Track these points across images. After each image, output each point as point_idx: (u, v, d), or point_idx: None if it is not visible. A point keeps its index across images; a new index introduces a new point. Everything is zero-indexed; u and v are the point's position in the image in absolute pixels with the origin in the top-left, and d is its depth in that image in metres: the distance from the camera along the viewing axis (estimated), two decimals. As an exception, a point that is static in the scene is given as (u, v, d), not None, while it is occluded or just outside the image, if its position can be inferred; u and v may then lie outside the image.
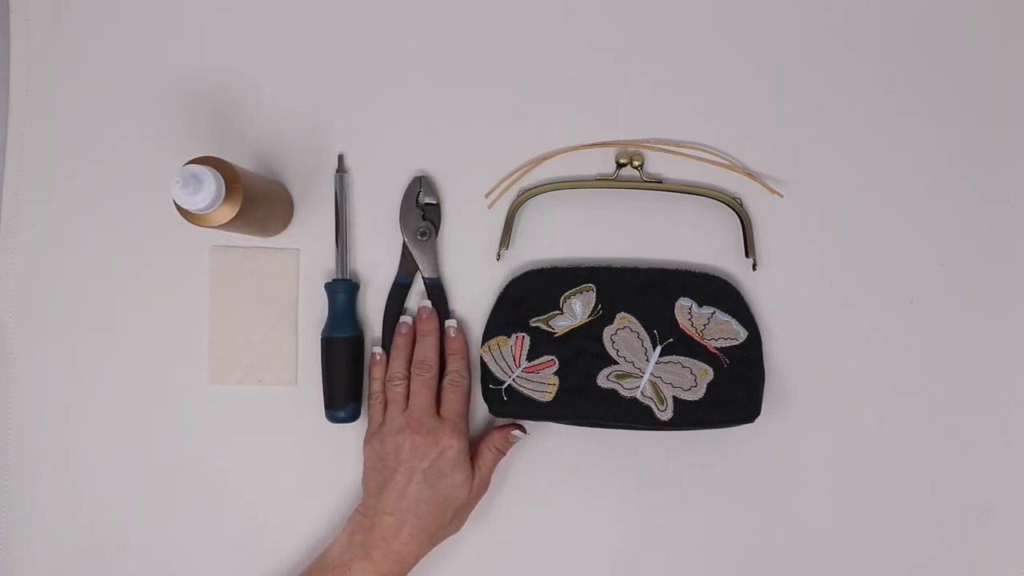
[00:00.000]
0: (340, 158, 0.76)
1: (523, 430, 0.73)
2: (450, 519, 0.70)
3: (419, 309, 0.74)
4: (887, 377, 0.75)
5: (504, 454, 0.73)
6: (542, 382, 0.72)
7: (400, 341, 0.74)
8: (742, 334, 0.72)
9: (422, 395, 0.71)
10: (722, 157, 0.75)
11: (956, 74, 0.76)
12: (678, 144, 0.75)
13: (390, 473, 0.69)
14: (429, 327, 0.74)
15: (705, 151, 0.75)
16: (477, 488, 0.71)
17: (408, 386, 0.72)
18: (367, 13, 0.77)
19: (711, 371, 0.71)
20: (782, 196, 0.75)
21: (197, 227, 0.65)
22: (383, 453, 0.70)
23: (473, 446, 0.72)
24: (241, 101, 0.76)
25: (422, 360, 0.72)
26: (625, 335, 0.72)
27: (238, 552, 0.75)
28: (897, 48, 0.76)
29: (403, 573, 0.69)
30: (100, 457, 0.75)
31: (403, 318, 0.74)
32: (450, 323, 0.74)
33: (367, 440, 0.71)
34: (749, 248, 0.74)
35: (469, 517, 0.72)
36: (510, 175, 0.76)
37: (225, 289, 0.76)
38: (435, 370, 0.72)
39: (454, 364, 0.73)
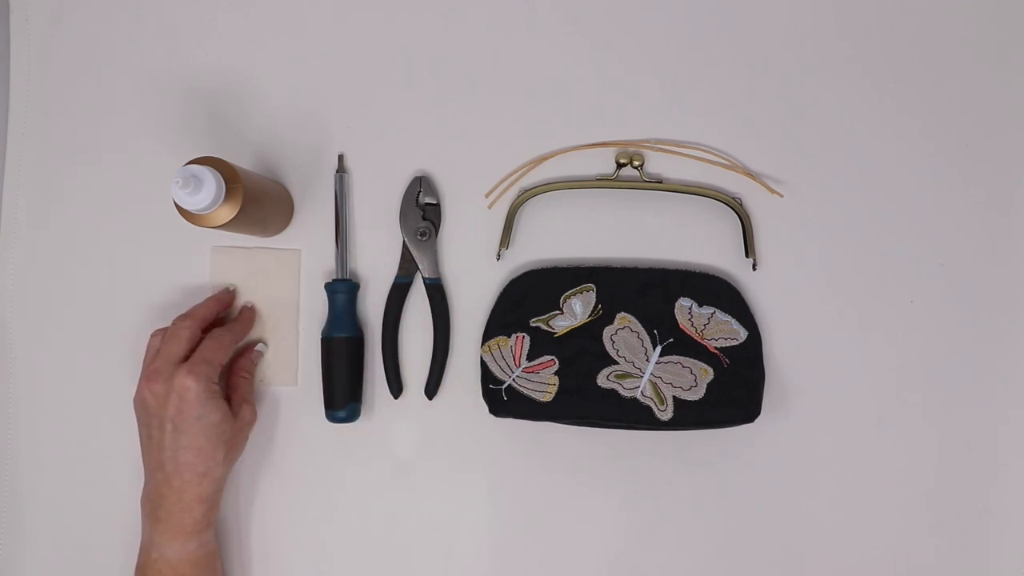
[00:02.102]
0: (340, 158, 0.76)
1: (265, 344, 0.75)
2: (223, 454, 0.69)
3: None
4: (887, 377, 0.75)
5: (252, 374, 0.74)
6: (542, 382, 0.72)
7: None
8: (742, 334, 0.72)
9: (168, 343, 0.69)
10: (722, 157, 0.75)
11: (956, 75, 0.76)
12: (678, 144, 0.75)
13: (144, 427, 0.69)
14: (217, 297, 0.74)
15: (705, 151, 0.75)
16: (243, 417, 0.71)
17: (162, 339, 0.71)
18: (367, 13, 0.77)
19: (711, 371, 0.71)
20: (782, 196, 0.75)
21: (197, 227, 0.65)
22: (138, 407, 0.69)
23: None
24: (241, 101, 0.76)
25: (185, 313, 0.71)
26: (625, 335, 0.72)
27: (237, 552, 0.75)
28: (897, 48, 0.76)
29: (198, 520, 0.68)
30: (100, 457, 0.75)
31: (227, 289, 0.75)
32: (245, 304, 0.75)
33: (134, 398, 0.70)
34: (749, 248, 0.74)
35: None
36: (510, 175, 0.76)
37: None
38: (193, 320, 0.70)
39: (231, 324, 0.73)
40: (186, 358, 0.69)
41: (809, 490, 0.74)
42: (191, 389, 0.67)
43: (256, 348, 0.74)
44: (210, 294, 0.75)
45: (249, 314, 0.74)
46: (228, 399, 0.71)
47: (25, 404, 0.76)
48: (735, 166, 0.75)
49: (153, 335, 0.71)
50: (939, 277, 0.75)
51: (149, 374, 0.68)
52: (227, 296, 0.75)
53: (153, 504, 0.68)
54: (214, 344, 0.70)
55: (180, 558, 0.68)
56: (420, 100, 0.76)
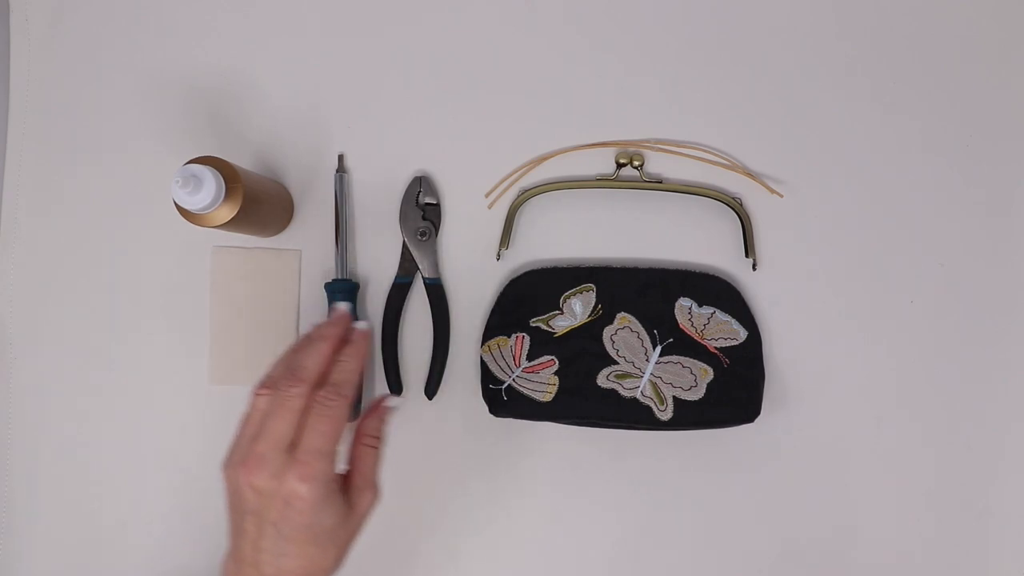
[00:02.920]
0: (340, 158, 0.76)
1: (399, 397, 0.61)
2: (334, 556, 0.57)
3: (333, 308, 0.60)
4: (887, 377, 0.75)
5: (382, 440, 0.61)
6: (542, 382, 0.72)
7: (303, 341, 0.60)
8: (742, 334, 0.72)
9: (273, 419, 0.56)
10: (722, 157, 0.75)
11: (956, 75, 0.76)
12: (678, 144, 0.75)
13: (240, 516, 0.57)
14: (327, 332, 0.60)
15: (705, 151, 0.75)
16: (362, 507, 0.59)
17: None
18: (367, 13, 0.77)
19: (711, 371, 0.71)
20: (782, 196, 0.75)
21: (197, 227, 0.65)
22: (232, 487, 0.57)
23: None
24: (241, 101, 0.76)
25: (293, 368, 0.58)
26: (625, 335, 0.72)
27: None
28: (897, 48, 0.76)
29: None
30: (100, 457, 0.75)
31: (340, 307, 0.61)
32: (360, 324, 0.61)
33: (224, 463, 0.58)
34: (749, 248, 0.74)
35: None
36: (510, 175, 0.76)
37: (226, 289, 0.76)
38: (306, 386, 0.57)
39: (336, 374, 0.58)
40: (294, 441, 0.56)
41: (809, 490, 0.74)
42: (304, 498, 0.54)
43: (388, 403, 0.60)
44: (302, 325, 0.61)
45: (363, 342, 0.60)
46: (347, 480, 0.59)
47: (25, 404, 0.76)
48: (735, 166, 0.75)
49: (256, 392, 0.58)
50: (939, 277, 0.75)
51: (252, 462, 0.55)
52: (341, 323, 0.61)
53: None
54: (327, 425, 0.56)
55: None
56: (420, 100, 0.76)
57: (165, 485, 0.75)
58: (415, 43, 0.76)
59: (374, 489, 0.60)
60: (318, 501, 0.55)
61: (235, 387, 0.75)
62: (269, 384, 0.58)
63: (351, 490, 0.59)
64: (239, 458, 0.56)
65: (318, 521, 0.55)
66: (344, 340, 0.61)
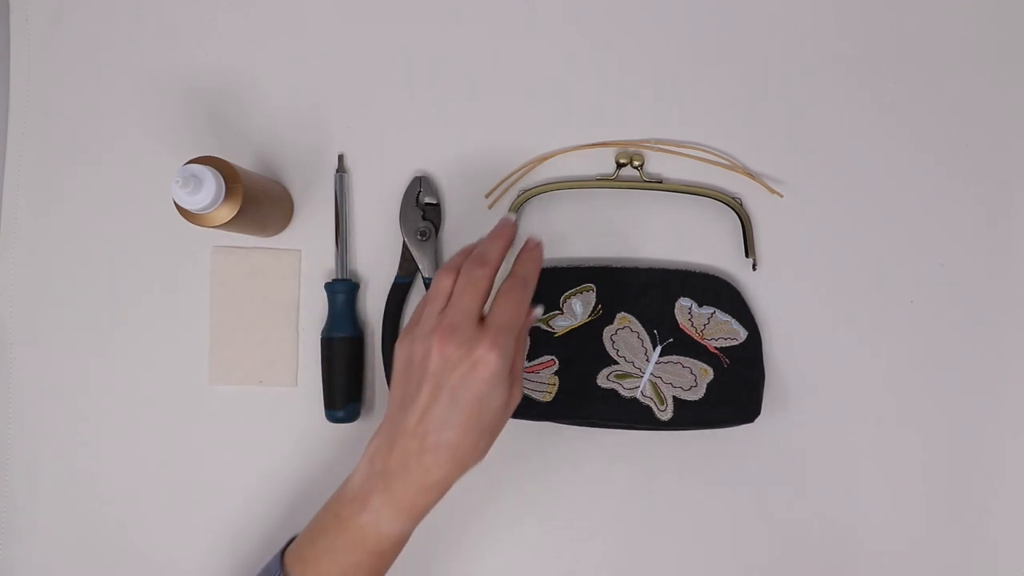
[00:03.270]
0: (340, 158, 0.76)
1: (541, 306, 0.65)
2: (484, 445, 0.60)
3: (503, 219, 0.64)
4: (887, 377, 0.75)
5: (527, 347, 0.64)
6: (542, 382, 0.72)
7: (481, 241, 0.63)
8: (742, 334, 0.72)
9: (466, 295, 0.59)
10: (722, 157, 0.75)
11: (956, 75, 0.76)
12: (678, 144, 0.75)
13: (415, 386, 0.59)
14: (502, 232, 0.62)
15: (705, 151, 0.75)
16: (513, 401, 0.61)
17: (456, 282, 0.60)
18: (367, 13, 0.77)
19: (711, 371, 0.71)
20: (782, 196, 0.75)
21: (197, 227, 0.65)
22: (410, 358, 0.60)
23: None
24: (241, 101, 0.76)
25: (479, 254, 0.61)
26: (625, 335, 0.72)
27: (237, 552, 0.75)
28: (897, 48, 0.76)
29: (428, 506, 0.60)
30: (100, 457, 0.75)
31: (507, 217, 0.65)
32: (533, 237, 0.64)
33: (399, 340, 0.62)
34: (749, 248, 0.74)
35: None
36: (510, 175, 0.76)
37: (226, 289, 0.76)
38: (491, 269, 0.60)
39: (520, 267, 0.62)
40: (480, 315, 0.59)
41: (809, 490, 0.74)
42: (491, 366, 0.57)
43: (535, 312, 0.62)
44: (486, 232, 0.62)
45: (537, 252, 0.63)
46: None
47: (25, 404, 0.76)
48: (735, 166, 0.75)
49: (440, 275, 0.61)
50: (939, 277, 0.75)
51: (445, 329, 0.58)
52: (511, 229, 0.63)
53: (390, 470, 0.59)
54: (513, 305, 0.59)
55: (391, 536, 0.60)
56: (420, 100, 0.76)
57: (165, 485, 0.75)
58: (415, 43, 0.76)
59: (520, 387, 0.62)
60: (497, 374, 0.58)
61: (235, 387, 0.75)
62: (453, 267, 0.61)
63: (510, 379, 0.60)
64: (428, 329, 0.59)
65: (489, 397, 0.58)
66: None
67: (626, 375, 0.71)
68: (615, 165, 0.75)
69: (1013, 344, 0.75)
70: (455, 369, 0.58)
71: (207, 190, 0.62)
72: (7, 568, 0.75)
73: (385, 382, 0.75)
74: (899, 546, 0.74)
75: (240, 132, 0.76)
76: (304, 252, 0.76)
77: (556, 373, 0.72)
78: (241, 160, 0.75)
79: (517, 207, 0.74)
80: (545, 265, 0.74)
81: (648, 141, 0.75)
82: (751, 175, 0.75)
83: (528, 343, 0.70)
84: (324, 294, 0.75)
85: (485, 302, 0.60)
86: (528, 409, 0.72)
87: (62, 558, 0.75)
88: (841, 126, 0.75)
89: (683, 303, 0.72)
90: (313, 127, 0.76)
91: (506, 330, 0.59)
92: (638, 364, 0.71)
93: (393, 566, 0.66)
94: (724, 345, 0.72)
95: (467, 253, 0.62)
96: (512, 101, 0.76)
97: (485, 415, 0.58)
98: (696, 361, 0.71)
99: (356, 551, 0.60)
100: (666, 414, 0.71)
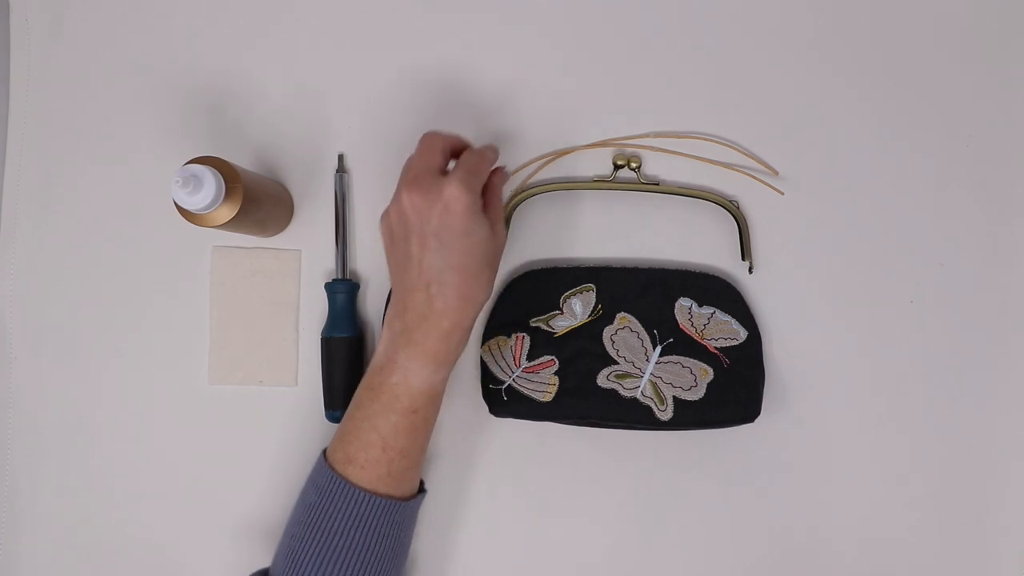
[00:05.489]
0: (340, 158, 0.76)
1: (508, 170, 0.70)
2: (487, 277, 0.64)
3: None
4: (887, 377, 0.75)
5: (502, 196, 0.69)
6: (542, 382, 0.72)
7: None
8: (742, 334, 0.72)
9: (422, 155, 0.64)
10: (727, 144, 0.75)
11: (956, 74, 0.76)
12: (677, 135, 0.75)
13: (403, 246, 0.64)
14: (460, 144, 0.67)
15: (706, 138, 0.75)
16: (499, 238, 0.65)
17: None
18: (367, 13, 0.77)
19: (711, 371, 0.71)
20: (782, 193, 0.75)
21: (197, 227, 0.65)
22: (390, 227, 0.64)
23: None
24: (241, 101, 0.76)
25: (435, 130, 0.66)
26: (625, 335, 0.72)
27: (237, 552, 0.75)
28: (897, 47, 0.76)
29: (450, 352, 0.64)
30: (100, 457, 0.75)
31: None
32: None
33: (381, 218, 0.66)
34: (745, 251, 0.74)
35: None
36: (509, 175, 0.75)
37: (226, 289, 0.76)
38: (448, 138, 0.65)
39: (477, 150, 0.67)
40: (442, 171, 0.64)
41: (809, 490, 0.74)
42: (460, 200, 0.61)
43: (504, 170, 0.68)
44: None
45: (494, 147, 0.68)
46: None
47: (25, 404, 0.76)
48: (741, 148, 0.75)
49: (410, 158, 0.66)
50: (939, 277, 0.75)
51: (410, 183, 0.62)
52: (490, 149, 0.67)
53: (408, 326, 0.63)
54: (477, 158, 0.64)
55: (422, 388, 0.64)
56: (420, 100, 0.76)
57: (165, 484, 0.75)
58: (415, 43, 0.76)
59: (503, 228, 0.67)
60: (469, 207, 0.61)
61: (235, 387, 0.75)
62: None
63: (489, 217, 0.65)
64: (397, 192, 0.64)
65: (472, 231, 0.62)
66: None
67: (626, 375, 0.71)
68: (612, 167, 0.75)
69: (1013, 344, 0.75)
70: (430, 214, 0.61)
71: (207, 190, 0.62)
72: (8, 568, 0.75)
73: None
74: (899, 545, 0.74)
75: (240, 132, 0.76)
76: (304, 252, 0.76)
77: (556, 373, 0.72)
78: (241, 160, 0.75)
79: (515, 207, 0.74)
80: (545, 265, 0.74)
81: (647, 135, 0.75)
82: (750, 173, 0.75)
83: (506, 200, 0.72)
84: (324, 294, 0.75)
85: (445, 163, 0.65)
86: (528, 409, 0.72)
87: (62, 558, 0.75)
88: (841, 125, 0.75)
89: (683, 303, 0.72)
90: (313, 127, 0.76)
91: (469, 174, 0.62)
92: (638, 364, 0.71)
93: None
94: (724, 345, 0.72)
95: (433, 132, 0.66)
96: (512, 101, 0.76)
97: (476, 249, 0.62)
98: (696, 361, 0.71)
99: (392, 412, 0.64)
100: (666, 414, 0.71)
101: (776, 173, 0.75)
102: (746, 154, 0.75)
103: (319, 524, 0.64)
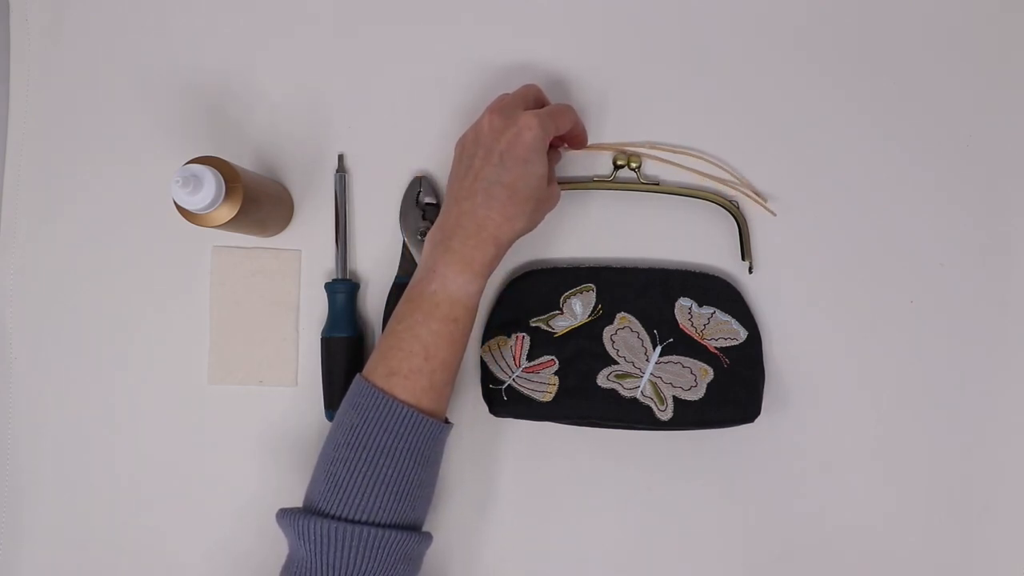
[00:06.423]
0: (340, 158, 0.76)
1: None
2: (532, 209, 0.66)
3: None
4: (887, 377, 0.75)
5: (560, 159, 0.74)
6: (542, 382, 0.72)
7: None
8: (742, 334, 0.72)
9: (515, 92, 0.69)
10: (718, 165, 0.75)
11: (956, 74, 0.76)
12: (673, 149, 0.75)
13: (469, 159, 0.67)
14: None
15: (700, 156, 0.75)
16: (554, 190, 0.69)
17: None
18: (367, 13, 0.77)
19: (711, 371, 0.71)
20: (775, 215, 0.75)
21: (197, 227, 0.65)
22: (465, 143, 0.68)
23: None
24: (241, 101, 0.76)
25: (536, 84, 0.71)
26: (625, 335, 0.72)
27: (237, 551, 0.75)
28: (897, 47, 0.76)
29: (486, 260, 0.65)
30: (100, 457, 0.75)
31: None
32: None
33: (459, 140, 0.69)
34: (745, 251, 0.74)
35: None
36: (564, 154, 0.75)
37: (226, 289, 0.76)
38: (539, 91, 0.70)
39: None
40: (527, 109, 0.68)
41: (809, 490, 0.74)
42: (532, 129, 0.65)
43: (583, 138, 0.73)
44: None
45: (581, 121, 0.73)
46: None
47: (25, 404, 0.76)
48: (728, 181, 0.75)
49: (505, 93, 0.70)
50: (939, 277, 0.75)
51: (494, 107, 0.67)
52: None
53: (447, 233, 0.66)
54: (563, 107, 0.69)
55: (459, 297, 0.65)
56: (420, 100, 0.76)
57: (165, 484, 0.75)
58: (415, 43, 0.76)
59: (558, 190, 0.71)
60: (538, 139, 0.65)
61: (234, 387, 0.75)
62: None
63: (550, 172, 0.69)
64: (481, 116, 0.67)
65: (532, 163, 0.65)
66: None
67: (626, 375, 0.71)
68: (612, 166, 0.75)
69: (1013, 344, 0.75)
70: (502, 135, 0.65)
71: (207, 190, 0.62)
72: (8, 568, 0.75)
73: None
74: (899, 545, 0.74)
75: (240, 132, 0.76)
76: (304, 252, 0.76)
77: (556, 373, 0.72)
78: (241, 160, 0.75)
79: (517, 207, 0.74)
80: (545, 265, 0.74)
81: (644, 144, 0.75)
82: (750, 186, 0.75)
83: (560, 160, 0.75)
84: (324, 294, 0.75)
85: (532, 107, 0.68)
86: (528, 409, 0.72)
87: (62, 558, 0.75)
88: (841, 124, 0.75)
89: (683, 303, 0.72)
90: (313, 127, 0.76)
91: (550, 115, 0.67)
92: (638, 364, 0.71)
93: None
94: (724, 345, 0.72)
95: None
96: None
97: (530, 179, 0.65)
98: (696, 361, 0.71)
99: (433, 319, 0.65)
100: (666, 414, 0.71)
101: (774, 214, 0.75)
102: (739, 180, 0.75)
103: (362, 443, 0.64)
